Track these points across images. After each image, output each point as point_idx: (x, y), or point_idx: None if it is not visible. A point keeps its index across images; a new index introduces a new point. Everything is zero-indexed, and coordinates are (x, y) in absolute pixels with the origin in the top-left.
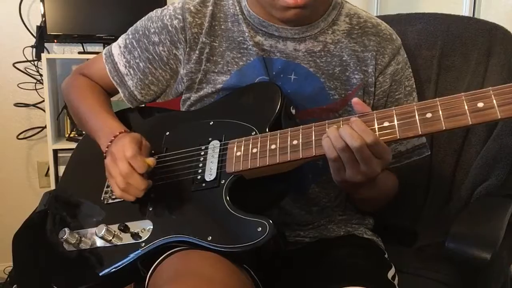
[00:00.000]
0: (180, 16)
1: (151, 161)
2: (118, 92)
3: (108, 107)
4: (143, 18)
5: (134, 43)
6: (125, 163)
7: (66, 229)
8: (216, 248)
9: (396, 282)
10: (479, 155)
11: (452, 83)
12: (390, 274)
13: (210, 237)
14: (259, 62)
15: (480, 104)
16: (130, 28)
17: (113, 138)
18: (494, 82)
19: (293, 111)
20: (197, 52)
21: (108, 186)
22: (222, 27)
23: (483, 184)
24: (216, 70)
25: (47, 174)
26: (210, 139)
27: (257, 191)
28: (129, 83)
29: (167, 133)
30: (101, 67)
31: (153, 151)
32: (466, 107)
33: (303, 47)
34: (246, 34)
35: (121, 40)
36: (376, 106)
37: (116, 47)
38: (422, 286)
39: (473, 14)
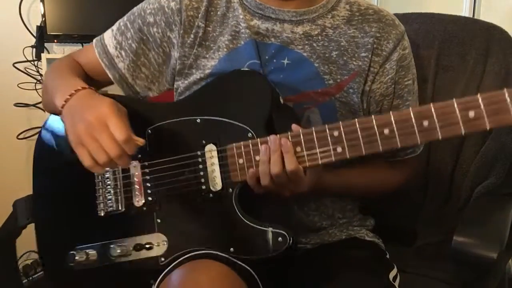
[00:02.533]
0: None
1: (141, 142)
2: (108, 82)
3: (78, 73)
4: (141, 3)
5: (128, 25)
6: (115, 145)
7: (74, 252)
8: (241, 257)
9: (397, 283)
10: (478, 154)
11: (450, 83)
12: (392, 275)
13: (232, 249)
14: (250, 45)
15: (471, 114)
16: (127, 13)
17: (73, 91)
18: (492, 82)
19: (282, 101)
20: (191, 36)
21: (100, 197)
22: (218, 12)
23: (482, 183)
24: (207, 56)
25: None
26: (204, 142)
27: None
28: (119, 65)
29: (149, 130)
30: (91, 52)
31: (139, 155)
32: (459, 116)
33: (300, 30)
34: (241, 17)
35: (115, 25)
36: (385, 94)
37: (108, 32)
38: (422, 285)
39: (473, 15)
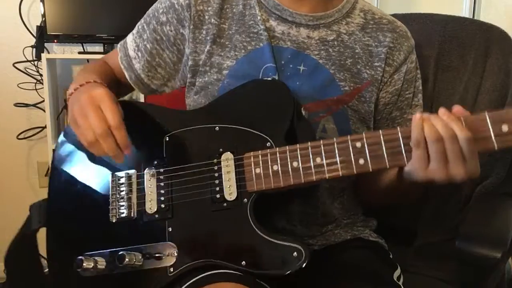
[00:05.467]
0: None
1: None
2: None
3: (101, 72)
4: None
5: (145, 26)
6: (101, 123)
7: (82, 258)
8: (251, 272)
9: (401, 282)
10: (479, 154)
11: (449, 83)
12: (396, 275)
13: (244, 262)
14: (268, 48)
15: (504, 128)
16: (144, 15)
17: (84, 83)
18: (492, 82)
19: (304, 113)
20: (203, 32)
21: (113, 203)
22: (234, 10)
23: (483, 183)
24: (222, 54)
25: (47, 174)
26: (220, 150)
27: (279, 202)
28: (136, 66)
29: (167, 138)
30: (116, 55)
31: (155, 162)
32: (490, 130)
33: (316, 35)
34: (258, 17)
35: (135, 28)
36: (387, 103)
37: (130, 35)
38: (422, 284)
39: (473, 15)
